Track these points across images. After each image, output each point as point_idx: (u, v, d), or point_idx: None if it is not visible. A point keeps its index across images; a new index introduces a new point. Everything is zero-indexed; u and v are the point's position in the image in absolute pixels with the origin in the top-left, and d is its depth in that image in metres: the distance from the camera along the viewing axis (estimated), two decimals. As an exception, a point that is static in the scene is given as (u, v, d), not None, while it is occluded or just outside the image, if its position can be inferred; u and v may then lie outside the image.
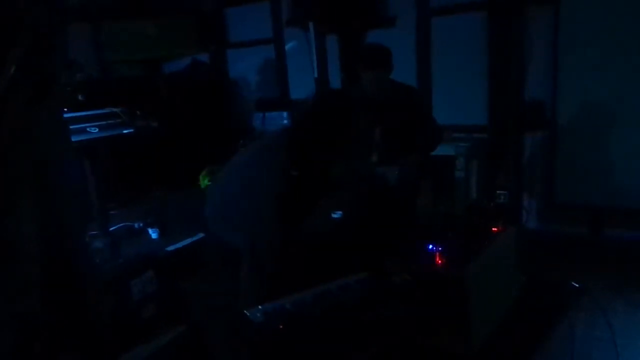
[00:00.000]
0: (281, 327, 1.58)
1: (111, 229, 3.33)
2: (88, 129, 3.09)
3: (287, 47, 5.09)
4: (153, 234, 3.31)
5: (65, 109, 2.74)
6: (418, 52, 4.34)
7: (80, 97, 3.30)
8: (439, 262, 2.11)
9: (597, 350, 2.52)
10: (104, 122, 3.20)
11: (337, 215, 3.41)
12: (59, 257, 1.77)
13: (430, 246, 2.17)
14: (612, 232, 3.84)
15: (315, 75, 4.72)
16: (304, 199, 1.92)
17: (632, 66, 3.56)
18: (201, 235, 3.23)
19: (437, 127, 3.21)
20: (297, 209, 1.90)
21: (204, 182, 4.05)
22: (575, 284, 3.08)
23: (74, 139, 2.87)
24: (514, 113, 3.96)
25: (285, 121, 4.47)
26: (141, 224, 3.46)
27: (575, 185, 3.91)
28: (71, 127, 2.81)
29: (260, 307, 1.72)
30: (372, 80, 2.81)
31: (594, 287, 3.07)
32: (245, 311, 1.73)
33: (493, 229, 2.49)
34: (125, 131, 3.25)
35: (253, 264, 1.89)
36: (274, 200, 1.83)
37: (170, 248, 3.12)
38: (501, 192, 3.97)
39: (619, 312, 2.85)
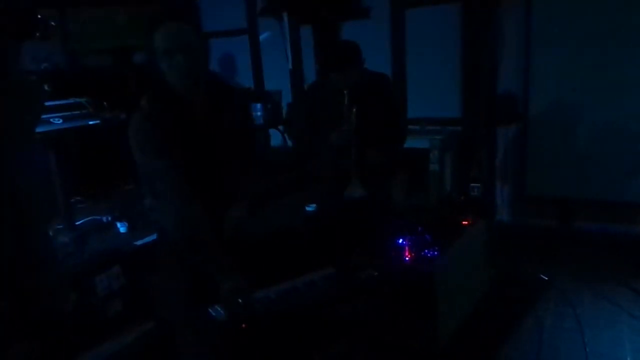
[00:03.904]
0: (244, 325, 1.54)
1: (78, 222, 3.24)
2: (52, 120, 2.98)
3: (261, 37, 5.02)
4: (121, 228, 3.23)
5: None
6: (392, 44, 4.31)
7: (46, 88, 3.19)
8: (407, 256, 2.11)
9: (564, 341, 2.55)
10: (68, 113, 3.09)
11: (310, 208, 3.37)
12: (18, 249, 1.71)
13: (399, 240, 2.17)
14: (582, 224, 3.90)
15: (290, 66, 4.67)
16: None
17: (603, 60, 3.59)
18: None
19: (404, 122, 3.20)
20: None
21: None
22: (543, 277, 3.12)
23: (37, 130, 2.77)
24: (487, 106, 3.98)
25: (259, 113, 4.39)
26: (109, 218, 3.37)
27: (546, 178, 3.95)
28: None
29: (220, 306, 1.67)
30: (340, 79, 2.79)
31: (563, 279, 3.12)
32: (209, 309, 1.68)
33: (463, 222, 2.50)
34: (91, 122, 3.15)
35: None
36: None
37: (139, 242, 3.04)
38: (475, 185, 3.99)
39: (586, 303, 2.89)
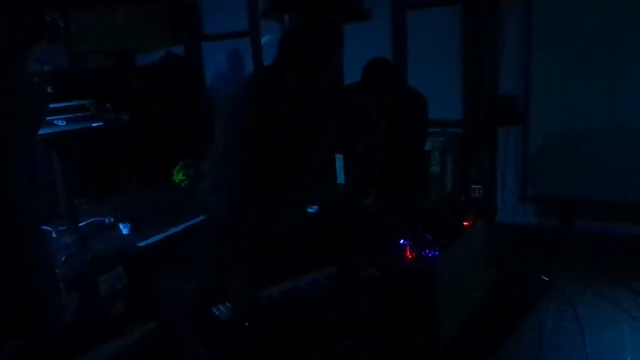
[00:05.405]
0: (246, 324, 1.55)
1: (80, 224, 3.25)
2: (55, 122, 3.00)
3: (263, 40, 5.03)
4: (124, 229, 3.23)
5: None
6: (393, 45, 4.33)
7: (49, 90, 3.21)
8: (408, 256, 2.12)
9: (565, 341, 2.55)
10: (71, 115, 3.11)
11: (312, 209, 3.38)
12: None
13: (400, 240, 2.18)
14: (583, 225, 3.91)
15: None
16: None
17: (603, 60, 3.61)
18: (175, 230, 3.19)
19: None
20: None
21: (178, 176, 3.99)
22: (544, 277, 3.13)
23: (40, 132, 2.79)
24: (488, 107, 3.99)
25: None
26: (112, 219, 3.38)
27: (547, 179, 3.96)
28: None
29: (227, 303, 1.69)
30: (373, 98, 2.81)
31: (564, 279, 3.13)
32: (212, 308, 1.70)
33: (464, 223, 2.51)
34: (94, 124, 3.16)
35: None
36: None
37: (142, 244, 3.05)
38: (476, 186, 4.00)
39: (587, 303, 2.89)
